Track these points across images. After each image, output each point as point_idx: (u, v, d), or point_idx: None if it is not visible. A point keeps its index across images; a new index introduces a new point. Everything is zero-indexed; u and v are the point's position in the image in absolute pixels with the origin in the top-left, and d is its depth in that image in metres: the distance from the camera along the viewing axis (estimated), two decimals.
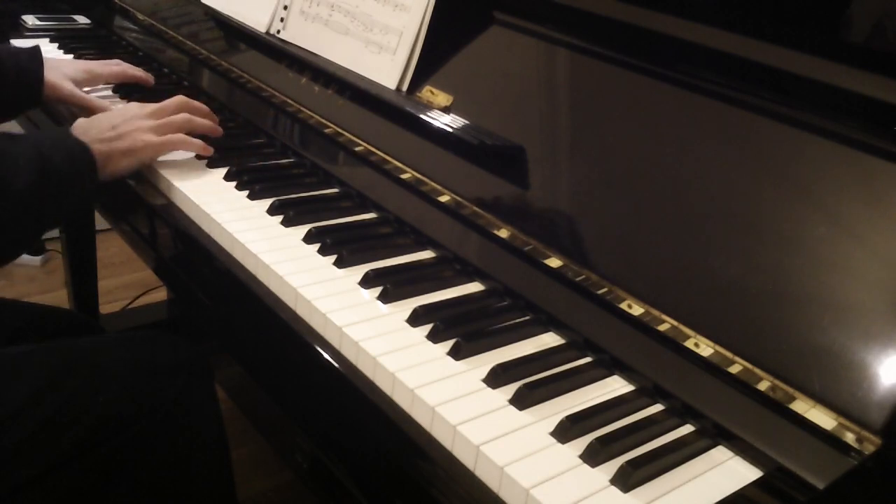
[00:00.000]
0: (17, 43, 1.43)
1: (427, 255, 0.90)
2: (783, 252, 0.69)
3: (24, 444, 0.80)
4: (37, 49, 1.16)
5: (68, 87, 1.15)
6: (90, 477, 0.85)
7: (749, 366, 0.66)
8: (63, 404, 0.82)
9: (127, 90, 1.26)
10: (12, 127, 1.33)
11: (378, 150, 0.99)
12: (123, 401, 0.86)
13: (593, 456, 0.62)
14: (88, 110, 1.15)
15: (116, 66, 1.25)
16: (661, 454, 0.63)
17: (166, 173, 0.99)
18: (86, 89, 1.20)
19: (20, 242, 0.90)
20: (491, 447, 0.62)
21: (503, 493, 0.60)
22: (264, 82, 1.18)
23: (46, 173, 0.86)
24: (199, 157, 1.05)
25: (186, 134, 1.02)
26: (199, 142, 1.02)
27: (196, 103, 1.07)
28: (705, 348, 0.69)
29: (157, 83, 1.34)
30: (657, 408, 0.70)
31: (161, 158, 1.02)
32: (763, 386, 0.65)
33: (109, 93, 1.26)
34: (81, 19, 1.62)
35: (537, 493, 0.58)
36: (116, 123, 0.97)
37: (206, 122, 1.05)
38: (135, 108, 1.02)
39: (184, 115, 1.03)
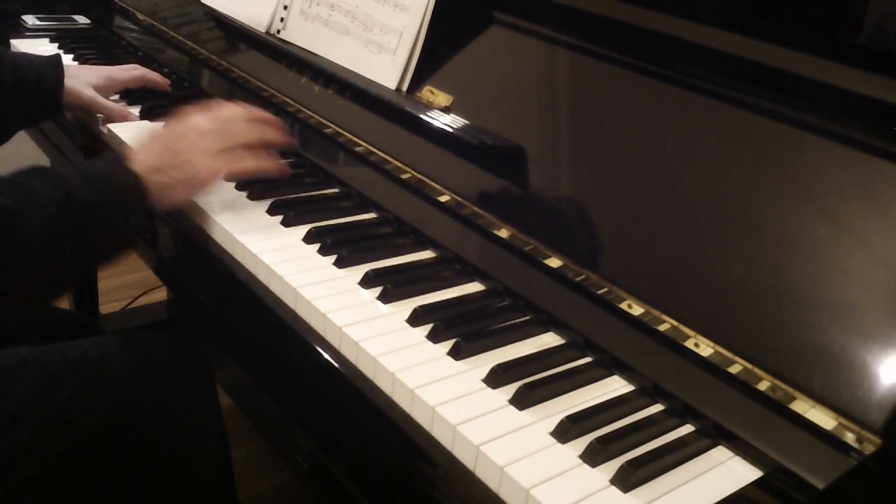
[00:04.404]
0: (18, 43, 1.43)
1: (427, 255, 0.90)
2: (783, 252, 0.69)
3: (24, 445, 0.79)
4: (57, 57, 1.16)
5: (89, 93, 1.14)
6: (91, 478, 0.85)
7: (749, 366, 0.66)
8: (63, 406, 0.82)
9: (136, 96, 1.24)
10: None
11: (378, 150, 0.99)
12: (124, 402, 0.86)
13: (593, 456, 0.62)
14: (110, 117, 1.15)
15: (135, 71, 1.24)
16: (661, 454, 0.63)
17: None
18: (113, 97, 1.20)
19: (42, 287, 0.84)
20: (491, 447, 0.62)
21: (503, 493, 0.60)
22: (264, 82, 1.18)
23: (69, 214, 0.79)
24: None
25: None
26: (275, 163, 0.93)
27: (261, 113, 0.97)
28: (705, 348, 0.68)
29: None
30: (657, 408, 0.70)
31: None
32: (763, 386, 0.65)
33: (116, 97, 1.24)
34: (81, 19, 1.62)
35: (537, 493, 0.58)
36: (179, 149, 0.88)
37: (279, 137, 0.96)
38: (196, 126, 0.91)
39: (254, 133, 0.93)
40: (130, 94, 1.25)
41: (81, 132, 1.21)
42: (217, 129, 0.92)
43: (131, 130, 1.12)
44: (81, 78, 1.16)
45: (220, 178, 0.92)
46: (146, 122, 1.17)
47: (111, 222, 0.84)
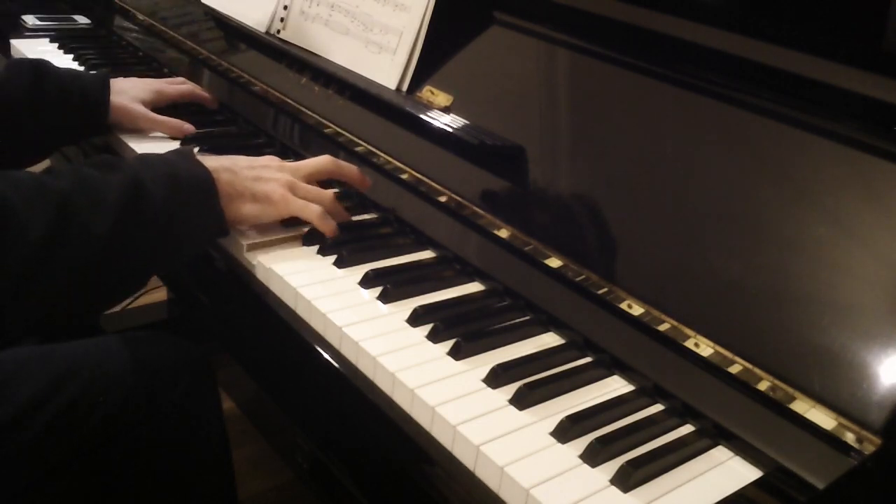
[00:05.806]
0: (17, 43, 1.43)
1: (427, 255, 0.90)
2: (783, 252, 0.69)
3: (25, 446, 0.79)
4: (104, 74, 1.13)
5: (140, 109, 1.11)
6: (92, 479, 0.85)
7: (749, 366, 0.66)
8: (64, 407, 0.81)
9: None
10: None
11: (378, 150, 0.99)
12: (125, 403, 0.86)
13: (593, 456, 0.62)
14: (165, 132, 1.12)
15: (184, 86, 1.20)
16: (661, 454, 0.64)
17: None
18: None
19: (101, 294, 0.78)
20: (491, 447, 0.62)
21: (503, 493, 0.60)
22: (264, 82, 1.18)
23: (140, 212, 0.75)
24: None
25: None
26: (333, 226, 0.88)
27: (345, 165, 0.94)
28: (705, 348, 0.68)
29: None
30: (657, 408, 0.70)
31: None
32: (763, 386, 0.65)
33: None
34: (81, 19, 1.62)
35: (537, 493, 0.58)
36: (255, 165, 0.88)
37: (347, 216, 0.93)
38: (270, 158, 0.91)
39: (331, 196, 0.90)
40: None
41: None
42: (294, 168, 0.91)
43: None
44: (129, 93, 1.12)
45: (286, 214, 0.87)
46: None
47: (172, 221, 0.77)
